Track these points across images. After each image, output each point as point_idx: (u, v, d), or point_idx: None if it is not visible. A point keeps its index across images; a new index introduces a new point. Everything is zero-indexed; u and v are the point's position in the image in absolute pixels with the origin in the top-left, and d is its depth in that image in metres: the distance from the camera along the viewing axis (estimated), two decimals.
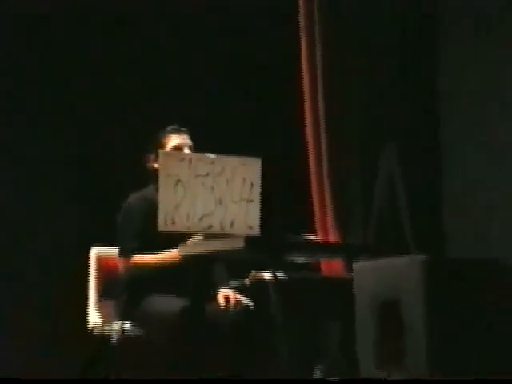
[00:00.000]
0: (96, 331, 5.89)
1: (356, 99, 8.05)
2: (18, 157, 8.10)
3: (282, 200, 6.47)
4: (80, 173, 7.99)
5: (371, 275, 5.21)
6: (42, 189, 8.00)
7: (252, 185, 5.50)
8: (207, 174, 5.42)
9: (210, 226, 5.40)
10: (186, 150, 5.91)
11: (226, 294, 5.78)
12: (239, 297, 5.82)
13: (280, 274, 5.72)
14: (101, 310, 5.99)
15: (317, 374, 6.06)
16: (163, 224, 5.28)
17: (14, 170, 7.82)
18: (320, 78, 7.78)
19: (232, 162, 5.53)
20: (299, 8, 7.86)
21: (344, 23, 8.20)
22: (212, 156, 5.52)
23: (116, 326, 5.72)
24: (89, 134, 8.21)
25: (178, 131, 5.97)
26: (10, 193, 7.84)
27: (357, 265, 5.30)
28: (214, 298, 5.80)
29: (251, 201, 5.46)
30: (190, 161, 5.52)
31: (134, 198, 5.92)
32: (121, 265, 5.86)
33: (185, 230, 5.45)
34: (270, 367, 5.91)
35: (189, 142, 5.96)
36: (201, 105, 8.41)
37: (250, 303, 5.86)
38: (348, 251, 6.01)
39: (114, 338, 5.72)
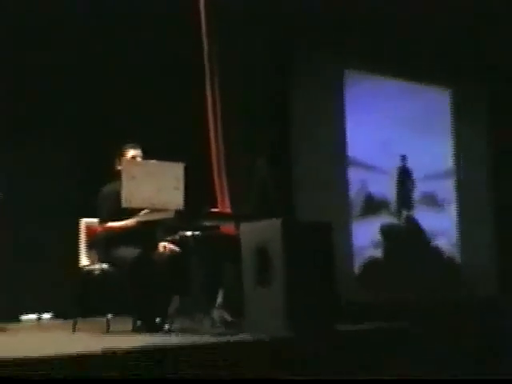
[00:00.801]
0: (85, 269, 6.73)
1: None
2: None
3: (196, 187, 6.58)
4: (80, 173, 8.56)
5: (251, 232, 6.04)
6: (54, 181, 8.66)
7: (177, 179, 6.31)
8: (151, 173, 6.32)
9: (153, 204, 6.34)
10: (139, 158, 6.72)
11: (163, 245, 6.65)
12: (171, 246, 6.66)
13: (195, 233, 6.63)
14: (88, 256, 6.80)
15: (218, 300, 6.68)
16: (125, 202, 6.18)
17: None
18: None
19: (165, 165, 6.42)
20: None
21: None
22: (153, 161, 6.51)
23: (98, 266, 6.63)
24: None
25: (134, 146, 6.76)
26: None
27: (242, 226, 6.19)
28: (156, 247, 6.63)
29: (177, 188, 6.30)
30: (141, 164, 6.59)
31: (107, 188, 6.65)
32: (99, 229, 6.69)
33: (138, 206, 6.37)
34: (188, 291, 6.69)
35: (140, 152, 6.76)
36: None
37: (177, 249, 6.66)
38: (236, 218, 6.83)
39: (96, 273, 6.61)
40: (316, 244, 6.00)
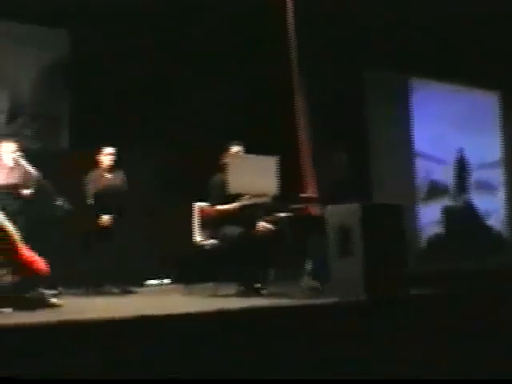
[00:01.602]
0: (198, 244, 6.77)
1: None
2: None
3: (288, 175, 6.52)
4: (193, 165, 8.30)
5: (334, 213, 5.90)
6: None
7: (272, 169, 6.37)
8: (251, 165, 6.46)
9: (253, 190, 6.44)
10: (241, 153, 6.71)
11: (261, 224, 6.60)
12: (268, 225, 6.61)
13: (288, 214, 6.59)
14: (201, 233, 6.80)
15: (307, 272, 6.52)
16: (230, 189, 6.29)
17: None
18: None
19: (262, 158, 6.51)
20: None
21: None
22: (252, 155, 6.59)
23: (208, 241, 6.71)
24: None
25: (237, 143, 6.75)
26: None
27: (327, 208, 6.03)
28: (256, 226, 6.57)
29: (272, 177, 6.34)
30: (243, 158, 6.66)
31: (216, 177, 6.65)
32: (210, 211, 6.73)
33: (241, 192, 6.45)
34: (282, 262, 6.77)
35: (242, 148, 6.75)
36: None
37: (273, 228, 6.58)
38: (322, 201, 6.66)
39: (207, 247, 6.69)
40: (388, 223, 5.92)
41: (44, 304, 5.25)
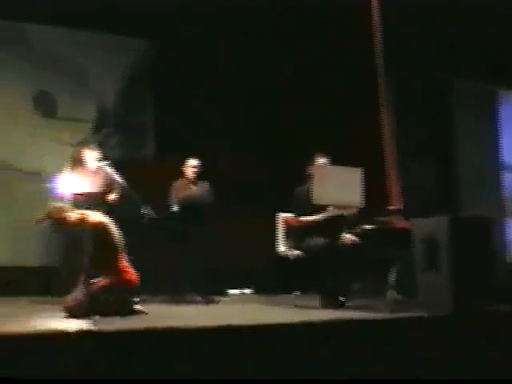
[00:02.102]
0: (281, 254, 6.82)
1: None
2: None
3: (373, 187, 6.44)
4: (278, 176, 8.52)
5: (421, 226, 5.83)
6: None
7: (357, 181, 6.33)
8: (336, 176, 6.39)
9: (338, 202, 6.43)
10: (326, 165, 6.72)
11: (346, 236, 6.52)
12: (353, 237, 6.51)
13: (373, 226, 6.55)
14: (284, 243, 6.85)
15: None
16: (315, 200, 6.30)
17: None
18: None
19: (347, 170, 6.42)
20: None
21: None
22: (338, 167, 6.58)
23: (292, 252, 6.73)
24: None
25: (322, 155, 6.76)
26: None
27: (413, 220, 5.99)
28: (340, 237, 6.50)
29: (357, 188, 6.32)
30: (328, 169, 6.66)
31: (301, 188, 6.67)
32: (293, 221, 6.74)
33: (325, 203, 6.46)
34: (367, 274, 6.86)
35: (327, 160, 6.76)
36: None
37: (357, 240, 6.50)
38: (408, 213, 6.62)
39: (291, 257, 6.69)
40: (477, 235, 5.75)
41: (130, 311, 5.32)
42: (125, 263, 5.51)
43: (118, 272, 5.40)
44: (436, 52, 9.38)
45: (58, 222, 5.54)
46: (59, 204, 5.67)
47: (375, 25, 7.78)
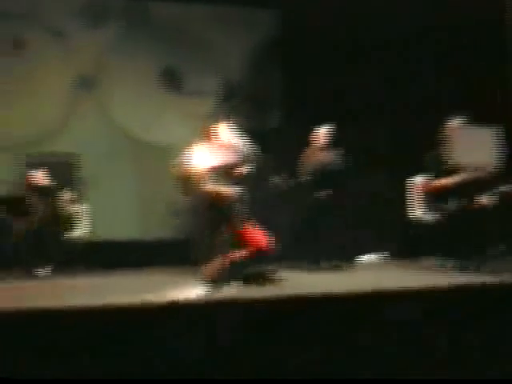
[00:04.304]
0: (416, 218, 6.78)
1: None
2: None
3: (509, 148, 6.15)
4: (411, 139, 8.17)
5: None
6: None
7: (492, 141, 6.04)
8: (471, 137, 6.19)
9: (473, 163, 6.23)
10: (461, 125, 6.55)
11: (482, 199, 6.30)
12: (489, 200, 6.31)
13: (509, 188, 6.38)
14: (419, 207, 6.74)
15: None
16: (450, 162, 6.15)
17: None
18: None
19: (482, 130, 6.11)
20: None
21: None
22: (473, 127, 6.35)
23: (428, 216, 6.66)
24: None
25: (458, 116, 6.59)
26: None
27: None
28: (474, 200, 6.31)
29: (492, 150, 6.03)
30: (463, 130, 6.43)
31: (433, 151, 6.55)
32: (428, 185, 6.65)
33: (460, 165, 6.27)
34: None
35: (462, 120, 6.57)
36: None
37: (494, 203, 6.30)
38: None
39: (426, 222, 6.65)
40: None
41: (267, 279, 5.39)
42: (260, 232, 5.54)
43: (253, 241, 5.45)
44: None
45: (187, 190, 5.63)
46: (190, 172, 5.75)
47: None
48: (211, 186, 5.60)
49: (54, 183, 7.95)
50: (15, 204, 7.57)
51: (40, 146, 8.82)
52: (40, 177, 7.88)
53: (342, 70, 8.56)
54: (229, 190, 5.61)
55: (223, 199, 5.52)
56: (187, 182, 5.62)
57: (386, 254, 8.59)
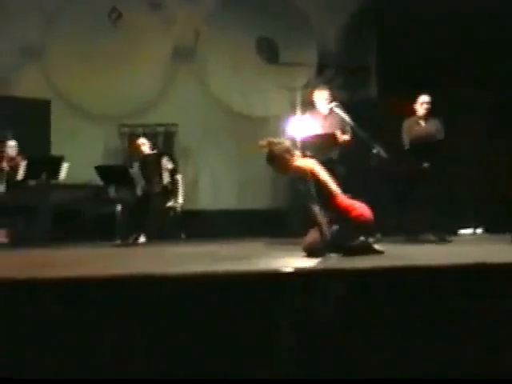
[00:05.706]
0: None
1: None
2: None
3: None
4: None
5: None
6: None
7: None
8: None
9: None
10: None
11: None
12: None
13: None
14: None
15: None
16: None
17: None
18: None
19: None
20: None
21: None
22: None
23: None
24: None
25: None
26: None
27: None
28: None
29: None
30: None
31: None
32: None
33: None
34: None
35: None
36: None
37: None
38: None
39: None
40: None
41: (368, 250, 5.35)
42: (347, 202, 5.48)
43: (342, 212, 5.39)
44: None
45: (274, 159, 5.44)
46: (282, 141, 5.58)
47: None
48: (302, 162, 5.49)
49: (157, 152, 8.07)
50: (119, 174, 7.73)
51: (140, 117, 8.90)
52: (144, 146, 8.01)
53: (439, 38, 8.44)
54: (318, 165, 5.50)
55: (315, 175, 5.41)
56: (278, 159, 5.50)
57: (483, 228, 8.45)
